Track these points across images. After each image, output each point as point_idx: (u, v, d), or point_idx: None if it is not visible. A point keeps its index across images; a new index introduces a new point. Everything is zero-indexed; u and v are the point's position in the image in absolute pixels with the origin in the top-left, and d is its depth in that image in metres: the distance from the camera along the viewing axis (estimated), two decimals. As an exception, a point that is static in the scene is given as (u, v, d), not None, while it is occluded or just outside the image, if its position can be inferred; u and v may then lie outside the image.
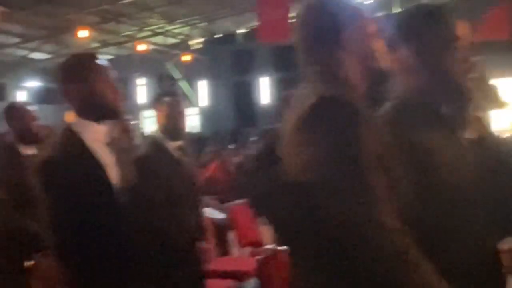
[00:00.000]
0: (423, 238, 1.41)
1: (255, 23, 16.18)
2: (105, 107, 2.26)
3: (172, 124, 3.22)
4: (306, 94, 1.46)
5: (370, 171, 1.33)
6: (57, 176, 2.10)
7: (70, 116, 2.31)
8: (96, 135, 2.24)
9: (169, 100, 3.26)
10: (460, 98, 1.76)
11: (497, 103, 2.88)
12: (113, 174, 2.24)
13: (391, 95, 1.79)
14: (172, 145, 3.23)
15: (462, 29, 1.79)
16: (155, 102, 3.31)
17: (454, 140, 1.73)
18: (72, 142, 2.20)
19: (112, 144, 2.29)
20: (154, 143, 3.23)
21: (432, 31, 1.72)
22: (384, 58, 1.56)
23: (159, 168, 3.07)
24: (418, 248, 1.35)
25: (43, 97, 22.71)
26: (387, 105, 1.75)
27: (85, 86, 2.24)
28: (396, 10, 13.91)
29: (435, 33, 1.72)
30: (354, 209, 1.31)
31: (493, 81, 2.47)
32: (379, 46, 1.56)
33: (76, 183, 2.09)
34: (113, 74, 2.33)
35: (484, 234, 1.71)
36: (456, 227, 1.62)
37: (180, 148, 3.27)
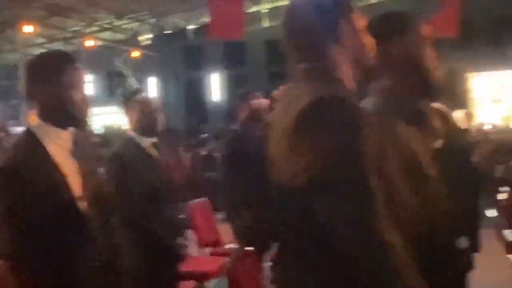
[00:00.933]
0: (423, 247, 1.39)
1: (206, 19, 16.07)
2: (73, 114, 2.09)
3: (145, 121, 3.21)
4: (299, 93, 1.37)
5: (372, 176, 1.27)
6: (14, 185, 1.94)
7: (32, 117, 2.16)
8: (59, 141, 2.08)
9: (142, 98, 3.26)
10: (433, 94, 1.83)
11: (464, 101, 2.94)
12: (76, 182, 2.08)
13: (369, 91, 1.78)
14: (147, 143, 3.22)
15: (427, 30, 1.87)
16: (126, 100, 3.28)
17: (426, 136, 1.76)
18: (33, 148, 2.03)
19: (74, 150, 2.13)
20: (129, 141, 3.22)
21: (407, 31, 1.79)
22: (373, 54, 1.51)
23: (135, 165, 3.07)
24: (415, 265, 1.29)
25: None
26: (366, 102, 1.72)
27: (53, 89, 2.06)
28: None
29: (409, 32, 1.79)
30: (353, 219, 1.24)
31: (470, 77, 2.53)
32: (369, 41, 1.52)
33: (34, 193, 1.93)
34: (85, 78, 2.18)
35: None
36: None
37: (154, 145, 3.27)
